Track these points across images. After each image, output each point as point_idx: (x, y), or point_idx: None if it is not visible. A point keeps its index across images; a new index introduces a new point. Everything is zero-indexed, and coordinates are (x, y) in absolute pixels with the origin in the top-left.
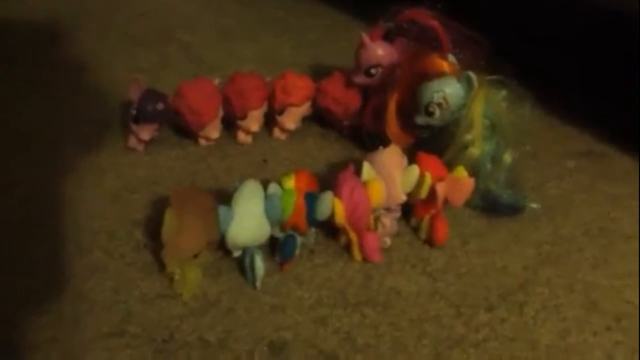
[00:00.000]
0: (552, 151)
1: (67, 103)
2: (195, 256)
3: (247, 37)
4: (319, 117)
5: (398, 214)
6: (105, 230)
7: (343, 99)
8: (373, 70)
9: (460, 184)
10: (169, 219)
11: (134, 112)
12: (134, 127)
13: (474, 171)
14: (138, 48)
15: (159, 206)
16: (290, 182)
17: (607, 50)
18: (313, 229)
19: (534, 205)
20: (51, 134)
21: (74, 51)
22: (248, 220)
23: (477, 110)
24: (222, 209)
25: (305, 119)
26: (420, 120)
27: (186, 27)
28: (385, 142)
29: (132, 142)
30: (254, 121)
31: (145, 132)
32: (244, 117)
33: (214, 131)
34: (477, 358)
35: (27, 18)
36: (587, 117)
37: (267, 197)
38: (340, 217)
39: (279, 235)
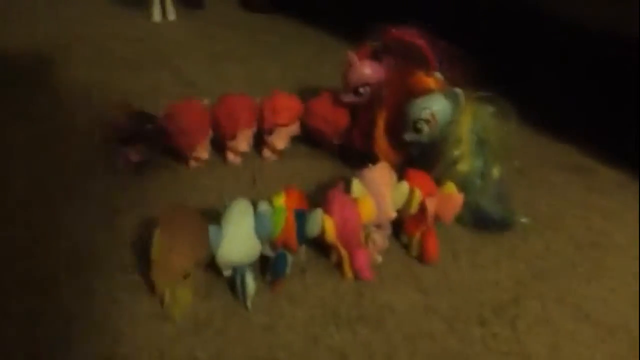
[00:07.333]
0: (541, 167)
1: (61, 125)
2: (185, 277)
3: (236, 61)
4: (306, 137)
5: (388, 231)
6: (95, 253)
7: (332, 118)
8: (362, 90)
9: (449, 199)
10: (159, 238)
11: (123, 133)
12: (123, 148)
13: (463, 187)
14: (131, 72)
15: (148, 228)
16: (280, 200)
17: (594, 67)
18: (303, 247)
19: (523, 220)
20: (46, 156)
21: (70, 75)
22: (238, 238)
23: (465, 126)
24: (212, 229)
25: (294, 139)
26: (409, 137)
27: (178, 52)
28: (374, 160)
29: (122, 163)
30: (243, 141)
31: (135, 154)
32: (233, 138)
33: (203, 152)
34: None
35: (26, 43)
36: (574, 133)
37: (257, 215)
38: (331, 234)
39: (270, 253)
